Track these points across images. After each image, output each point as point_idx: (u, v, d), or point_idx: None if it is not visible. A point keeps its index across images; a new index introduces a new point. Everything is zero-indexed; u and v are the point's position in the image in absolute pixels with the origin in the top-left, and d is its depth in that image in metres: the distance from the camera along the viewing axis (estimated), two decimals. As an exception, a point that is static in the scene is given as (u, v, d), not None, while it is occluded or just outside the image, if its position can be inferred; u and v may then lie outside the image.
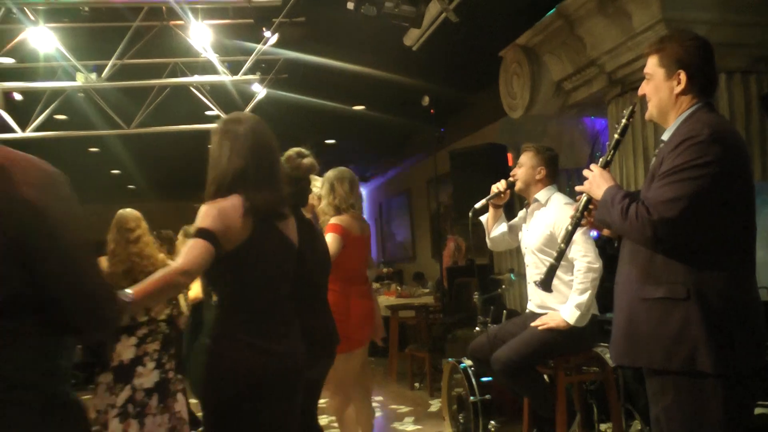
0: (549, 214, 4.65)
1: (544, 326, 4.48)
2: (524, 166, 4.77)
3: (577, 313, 4.36)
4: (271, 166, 3.07)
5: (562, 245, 3.42)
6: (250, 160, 2.96)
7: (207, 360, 2.88)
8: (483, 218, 4.98)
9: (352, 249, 4.84)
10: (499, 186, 4.79)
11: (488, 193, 4.80)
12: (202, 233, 2.79)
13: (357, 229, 4.92)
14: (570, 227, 3.29)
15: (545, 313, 4.58)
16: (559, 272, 4.54)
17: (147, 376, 4.89)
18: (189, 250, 2.76)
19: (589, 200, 3.11)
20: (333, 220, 4.83)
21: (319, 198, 4.95)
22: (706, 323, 2.66)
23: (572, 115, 8.37)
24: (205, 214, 2.84)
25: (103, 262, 4.95)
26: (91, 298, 1.99)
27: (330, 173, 4.97)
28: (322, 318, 3.96)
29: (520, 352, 4.49)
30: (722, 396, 2.67)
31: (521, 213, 4.97)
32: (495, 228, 4.95)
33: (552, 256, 4.49)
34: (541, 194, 4.74)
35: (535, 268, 4.68)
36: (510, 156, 8.37)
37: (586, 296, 4.39)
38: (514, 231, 4.95)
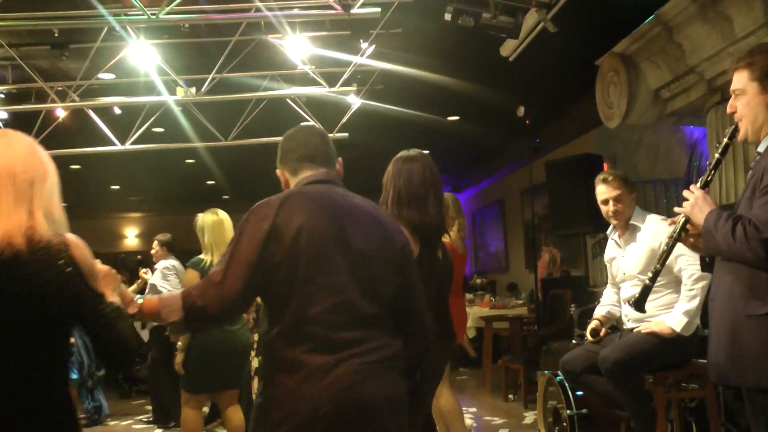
0: (648, 234, 4.64)
1: (648, 330, 4.45)
2: (623, 201, 4.73)
3: (685, 320, 4.28)
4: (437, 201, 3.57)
5: (658, 265, 3.35)
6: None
7: None
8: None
9: (456, 266, 5.16)
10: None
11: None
12: None
13: (461, 248, 5.39)
14: (666, 247, 3.23)
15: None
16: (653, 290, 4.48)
17: None
18: None
19: (687, 221, 3.01)
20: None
21: None
22: None
23: (670, 124, 8.21)
24: None
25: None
26: None
27: None
28: (447, 319, 4.10)
29: (629, 352, 4.43)
30: None
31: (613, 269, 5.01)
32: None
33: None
34: (636, 218, 4.76)
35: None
36: (606, 166, 8.25)
37: (695, 303, 4.36)
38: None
